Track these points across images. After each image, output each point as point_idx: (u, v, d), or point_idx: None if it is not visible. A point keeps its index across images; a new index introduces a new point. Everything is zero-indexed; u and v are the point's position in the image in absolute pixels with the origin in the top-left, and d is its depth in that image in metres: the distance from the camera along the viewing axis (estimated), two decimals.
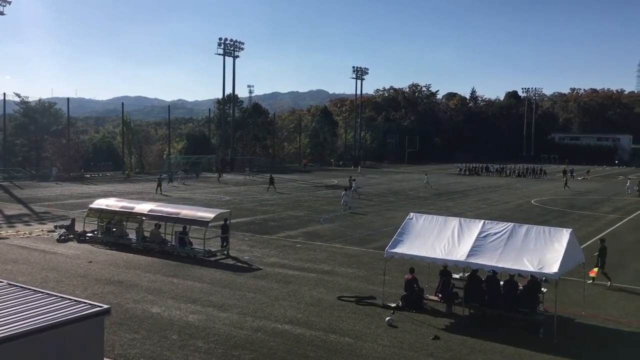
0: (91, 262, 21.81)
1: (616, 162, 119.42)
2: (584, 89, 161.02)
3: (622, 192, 54.36)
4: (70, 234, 26.54)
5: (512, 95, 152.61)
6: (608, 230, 32.00)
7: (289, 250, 24.65)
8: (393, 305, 16.51)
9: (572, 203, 46.14)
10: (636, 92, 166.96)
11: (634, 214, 39.24)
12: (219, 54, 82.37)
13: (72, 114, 78.13)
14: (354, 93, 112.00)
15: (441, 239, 16.24)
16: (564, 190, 56.79)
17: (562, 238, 15.08)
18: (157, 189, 47.93)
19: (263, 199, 44.17)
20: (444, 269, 16.68)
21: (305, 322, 15.18)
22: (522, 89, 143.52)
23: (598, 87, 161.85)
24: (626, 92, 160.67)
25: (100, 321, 9.17)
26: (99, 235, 26.07)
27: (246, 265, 21.74)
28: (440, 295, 16.50)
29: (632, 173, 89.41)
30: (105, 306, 9.20)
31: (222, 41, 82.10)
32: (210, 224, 23.68)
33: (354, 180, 50.79)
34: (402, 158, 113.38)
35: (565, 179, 63.31)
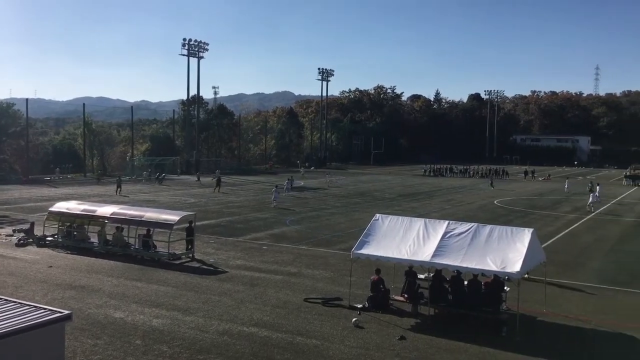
0: (51, 266, 21.30)
1: (575, 163, 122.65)
2: (544, 92, 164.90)
3: (580, 192, 55.70)
4: (29, 238, 25.88)
5: (475, 97, 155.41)
6: (567, 230, 32.81)
7: (255, 253, 24.53)
8: (359, 306, 16.58)
9: (534, 203, 47.17)
10: (594, 94, 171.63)
11: (593, 214, 40.31)
12: (184, 55, 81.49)
13: (31, 115, 76.35)
14: (320, 95, 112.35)
15: (407, 240, 16.37)
16: (491, 190, 58.74)
17: (524, 238, 15.37)
18: (116, 191, 48.15)
19: (229, 201, 43.88)
20: (410, 269, 16.83)
21: (271, 324, 15.13)
22: (485, 91, 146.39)
23: (557, 90, 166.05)
24: (584, 95, 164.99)
25: (61, 327, 8.98)
26: (60, 239, 25.48)
27: (211, 268, 21.55)
28: (406, 295, 16.64)
29: (589, 174, 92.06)
30: (66, 312, 9.02)
31: (187, 42, 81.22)
32: (174, 227, 23.40)
33: (290, 179, 55.30)
34: (368, 159, 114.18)
35: (490, 179, 66.38)
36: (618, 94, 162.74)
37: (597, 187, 48.25)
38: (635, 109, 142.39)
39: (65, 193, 48.01)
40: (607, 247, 27.90)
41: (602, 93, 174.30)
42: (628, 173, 79.85)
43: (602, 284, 20.26)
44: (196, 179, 64.83)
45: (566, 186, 58.25)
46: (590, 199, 42.88)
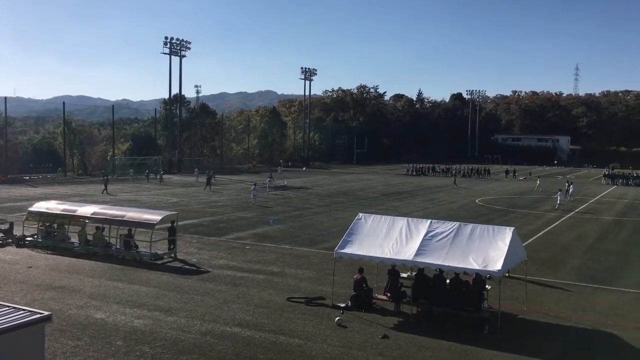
0: (31, 267, 21.02)
1: (555, 162, 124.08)
2: (525, 92, 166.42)
3: (557, 191, 56.18)
4: (8, 239, 25.49)
5: (457, 97, 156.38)
6: (548, 228, 33.16)
7: (237, 252, 24.45)
8: (342, 305, 16.60)
9: (514, 202, 47.61)
10: (574, 94, 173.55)
11: (572, 213, 40.81)
12: (165, 53, 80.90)
13: (10, 114, 75.46)
14: (303, 94, 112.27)
15: (389, 239, 16.43)
16: (455, 187, 61.05)
17: (505, 236, 15.51)
18: (104, 190, 48.02)
19: (211, 201, 43.68)
20: (392, 268, 16.90)
21: (254, 324, 15.09)
22: (467, 91, 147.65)
23: (538, 90, 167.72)
24: (564, 95, 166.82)
25: (41, 328, 8.87)
26: (39, 240, 25.16)
27: (194, 268, 21.43)
28: (388, 294, 16.71)
29: (569, 173, 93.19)
30: (46, 313, 8.91)
31: (168, 40, 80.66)
32: (156, 227, 23.22)
33: (271, 177, 56.76)
34: (350, 159, 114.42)
35: (454, 177, 70.72)
36: (597, 94, 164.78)
37: (571, 186, 48.97)
38: (614, 109, 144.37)
39: (44, 193, 47.42)
40: (586, 245, 28.26)
41: (581, 93, 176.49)
42: (607, 172, 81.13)
43: (581, 282, 20.53)
44: (195, 178, 60.44)
45: (538, 184, 59.56)
46: (559, 198, 43.52)
